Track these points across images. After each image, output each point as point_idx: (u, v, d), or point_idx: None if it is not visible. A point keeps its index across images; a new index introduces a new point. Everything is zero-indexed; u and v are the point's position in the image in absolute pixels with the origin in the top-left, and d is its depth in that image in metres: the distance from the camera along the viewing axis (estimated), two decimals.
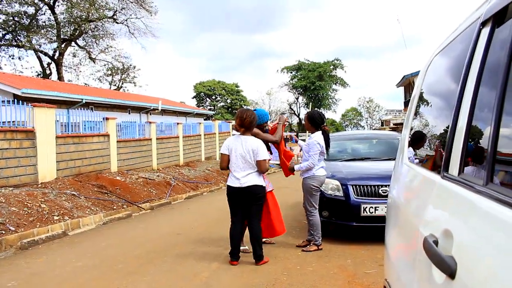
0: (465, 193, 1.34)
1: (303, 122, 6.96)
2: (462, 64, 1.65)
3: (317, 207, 6.11)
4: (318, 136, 6.09)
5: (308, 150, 6.06)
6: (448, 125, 1.68)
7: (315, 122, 6.21)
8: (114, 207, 10.30)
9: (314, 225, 6.07)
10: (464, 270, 1.14)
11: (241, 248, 6.16)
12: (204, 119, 32.29)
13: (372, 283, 4.72)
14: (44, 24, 29.52)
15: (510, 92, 1.20)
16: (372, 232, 6.49)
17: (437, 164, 1.81)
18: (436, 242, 1.37)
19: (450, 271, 1.18)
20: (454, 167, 1.53)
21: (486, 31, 1.48)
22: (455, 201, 1.44)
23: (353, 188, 6.40)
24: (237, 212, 5.62)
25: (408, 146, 2.57)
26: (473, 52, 1.57)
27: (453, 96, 1.69)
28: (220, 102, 57.98)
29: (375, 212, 6.19)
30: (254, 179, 5.43)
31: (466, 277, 1.12)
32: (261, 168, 5.45)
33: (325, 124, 6.34)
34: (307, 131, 6.53)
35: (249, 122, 5.50)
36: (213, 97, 57.55)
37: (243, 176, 5.42)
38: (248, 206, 5.52)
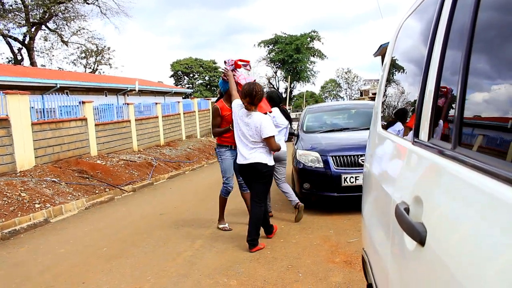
0: (434, 158, 1.32)
1: None
2: (431, 26, 1.62)
3: (280, 177, 6.41)
4: (274, 110, 6.34)
5: None
6: (418, 91, 1.66)
7: (273, 101, 6.45)
8: (96, 191, 10.21)
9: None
10: (433, 236, 1.13)
11: (220, 226, 6.18)
12: (183, 98, 31.98)
13: (354, 252, 4.77)
14: (11, 7, 28.55)
15: (475, 55, 1.18)
16: (353, 201, 6.53)
17: (408, 130, 1.79)
18: (407, 210, 1.36)
19: (420, 237, 1.17)
20: (423, 133, 1.52)
21: None
22: (425, 167, 1.43)
23: (333, 159, 6.42)
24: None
25: (396, 121, 2.54)
26: (440, 13, 1.53)
27: (422, 60, 1.67)
28: (198, 80, 57.43)
29: (355, 182, 6.23)
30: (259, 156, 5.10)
31: (436, 243, 1.11)
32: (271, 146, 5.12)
33: (282, 103, 6.80)
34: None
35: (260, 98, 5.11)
36: (191, 75, 56.97)
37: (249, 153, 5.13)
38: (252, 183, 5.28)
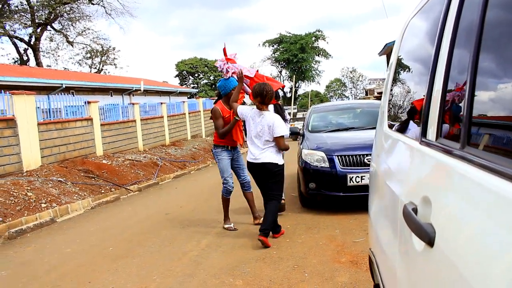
0: (442, 158, 1.31)
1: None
2: (438, 25, 1.61)
3: None
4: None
5: None
6: (425, 90, 1.64)
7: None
8: (102, 191, 10.24)
9: None
10: (442, 237, 1.12)
11: (226, 226, 6.18)
12: (188, 97, 32.00)
13: (361, 252, 4.75)
14: (17, 8, 28.67)
15: (484, 53, 1.17)
16: (359, 201, 6.52)
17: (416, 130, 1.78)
18: (415, 210, 1.35)
19: (428, 238, 1.16)
20: (431, 132, 1.50)
21: None
22: (433, 167, 1.41)
23: (338, 159, 6.41)
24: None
25: (409, 120, 2.50)
26: (447, 11, 1.52)
27: (429, 59, 1.65)
28: (203, 80, 57.53)
29: (361, 182, 6.21)
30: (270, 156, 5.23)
31: (445, 244, 1.09)
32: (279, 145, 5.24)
33: (277, 100, 6.60)
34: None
35: (270, 97, 5.22)
36: (196, 75, 57.05)
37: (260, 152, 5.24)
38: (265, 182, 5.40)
